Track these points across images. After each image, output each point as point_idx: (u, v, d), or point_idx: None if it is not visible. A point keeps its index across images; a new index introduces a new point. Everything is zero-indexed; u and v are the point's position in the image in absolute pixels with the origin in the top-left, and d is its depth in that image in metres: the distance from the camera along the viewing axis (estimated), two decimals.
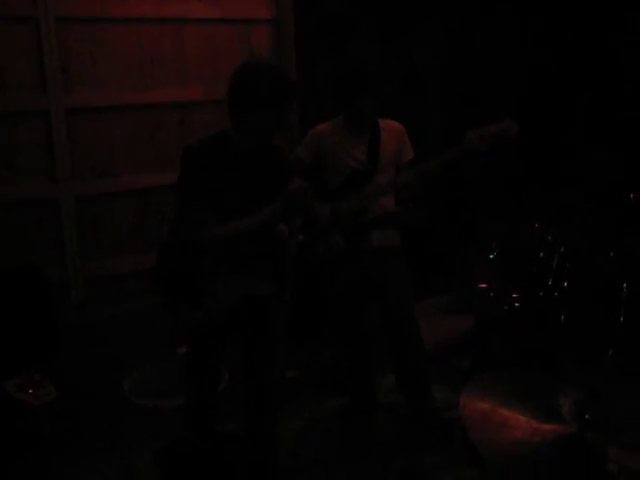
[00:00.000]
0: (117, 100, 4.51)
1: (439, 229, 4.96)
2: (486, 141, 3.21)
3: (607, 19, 4.59)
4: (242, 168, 2.75)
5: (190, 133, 4.62)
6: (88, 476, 3.31)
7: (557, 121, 4.64)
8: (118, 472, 3.34)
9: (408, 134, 3.52)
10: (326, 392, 3.96)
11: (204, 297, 2.76)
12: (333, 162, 3.45)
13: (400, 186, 3.42)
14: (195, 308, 2.77)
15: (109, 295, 4.29)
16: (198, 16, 4.81)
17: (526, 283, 4.10)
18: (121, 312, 4.32)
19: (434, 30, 5.17)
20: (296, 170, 3.05)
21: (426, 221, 3.05)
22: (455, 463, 3.26)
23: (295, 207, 2.73)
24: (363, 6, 4.99)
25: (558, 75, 4.78)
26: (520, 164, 4.55)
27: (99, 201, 4.48)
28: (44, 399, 3.86)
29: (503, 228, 4.32)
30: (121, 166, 4.52)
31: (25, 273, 4.22)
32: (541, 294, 4.01)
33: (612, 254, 3.91)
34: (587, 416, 1.83)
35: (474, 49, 5.07)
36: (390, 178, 3.43)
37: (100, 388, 4.00)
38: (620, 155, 4.20)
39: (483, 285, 4.36)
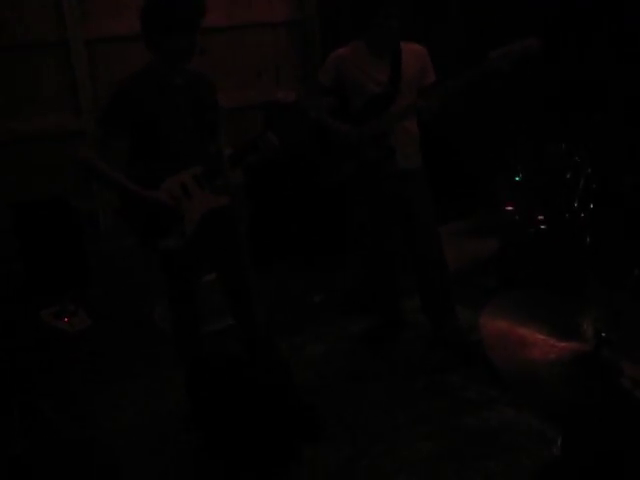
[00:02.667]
0: (137, 28, 4.45)
1: (463, 151, 4.90)
2: (508, 60, 3.14)
3: None
4: (173, 100, 2.82)
5: (210, 59, 4.59)
6: (121, 400, 3.43)
7: (585, 41, 4.48)
8: (152, 396, 3.45)
9: (430, 57, 3.45)
10: (351, 315, 4.01)
11: (174, 222, 2.83)
12: (354, 85, 3.40)
13: (422, 109, 3.36)
14: (168, 235, 2.84)
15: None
16: None
17: (552, 205, 4.06)
18: None
19: None
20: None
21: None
22: (478, 382, 3.31)
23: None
24: None
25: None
26: (547, 84, 4.43)
27: None
28: (79, 327, 4.01)
29: (529, 149, 4.25)
30: None
31: (54, 204, 4.30)
32: (567, 216, 3.97)
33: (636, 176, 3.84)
34: (604, 334, 1.84)
35: None
36: (412, 101, 3.38)
37: (131, 315, 4.12)
38: None
39: (509, 207, 4.33)
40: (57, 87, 4.37)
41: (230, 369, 2.85)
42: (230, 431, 2.77)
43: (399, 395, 3.29)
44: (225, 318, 3.56)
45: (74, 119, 4.42)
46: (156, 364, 3.66)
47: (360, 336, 3.81)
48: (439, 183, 3.72)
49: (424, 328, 3.74)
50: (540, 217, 4.13)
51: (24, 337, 3.91)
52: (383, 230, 3.65)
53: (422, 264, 3.57)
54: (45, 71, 4.34)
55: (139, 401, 3.41)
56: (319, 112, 3.31)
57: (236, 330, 3.21)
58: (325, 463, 2.86)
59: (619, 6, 4.20)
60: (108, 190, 2.84)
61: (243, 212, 3.00)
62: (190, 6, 2.73)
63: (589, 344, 1.83)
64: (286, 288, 4.33)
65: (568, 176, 4.00)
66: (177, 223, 2.85)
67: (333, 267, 4.51)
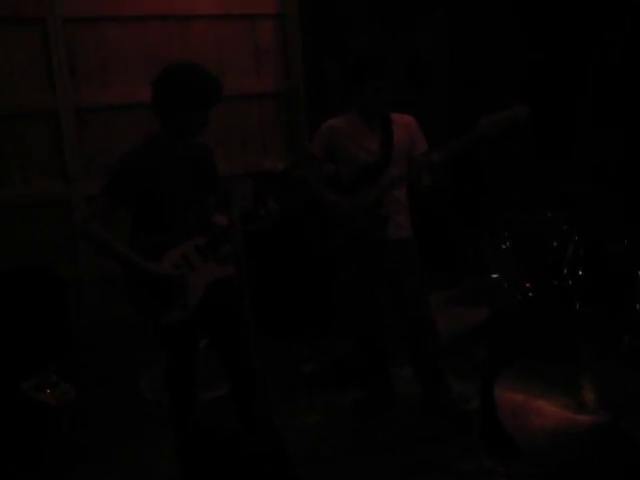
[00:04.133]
0: (126, 98, 4.52)
1: (451, 219, 4.96)
2: (499, 126, 3.21)
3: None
4: (178, 170, 2.85)
5: None
6: (108, 474, 3.31)
7: (565, 105, 4.62)
8: (138, 470, 3.34)
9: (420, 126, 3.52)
10: (342, 386, 3.95)
11: (178, 293, 2.81)
12: (346, 155, 3.44)
13: (413, 179, 3.41)
14: (171, 306, 2.81)
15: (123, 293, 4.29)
16: (203, 12, 4.82)
17: (540, 273, 4.09)
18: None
19: (436, 19, 5.17)
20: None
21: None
22: (474, 453, 3.25)
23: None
24: (367, 2, 4.99)
25: (562, 59, 4.76)
26: (531, 150, 4.54)
27: None
28: (62, 398, 3.88)
29: (516, 217, 4.31)
30: None
31: (39, 273, 4.23)
32: (556, 283, 4.00)
33: (626, 241, 3.90)
34: (616, 404, 1.83)
35: (477, 36, 5.05)
36: (403, 170, 3.43)
37: (117, 386, 4.02)
38: (633, 139, 4.18)
39: (496, 275, 4.36)
40: (46, 154, 4.37)
41: (226, 443, 2.77)
42: None
43: (395, 469, 3.21)
44: (220, 386, 3.49)
45: (61, 186, 4.40)
46: (142, 436, 3.56)
47: (352, 408, 3.75)
48: (427, 251, 3.74)
49: (416, 398, 3.69)
50: (528, 285, 4.16)
51: (3, 410, 3.78)
52: (373, 299, 3.64)
53: (414, 331, 3.55)
54: (34, 138, 4.35)
55: (125, 475, 3.29)
56: (315, 181, 3.34)
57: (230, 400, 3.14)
58: None
59: (602, 71, 4.36)
60: (112, 262, 2.80)
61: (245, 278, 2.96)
62: (210, 83, 2.79)
63: (605, 415, 1.82)
64: (274, 357, 4.27)
65: (555, 243, 4.05)
66: (180, 295, 2.82)
67: (324, 336, 4.47)
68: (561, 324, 3.88)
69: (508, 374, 1.95)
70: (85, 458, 3.41)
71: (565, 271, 3.93)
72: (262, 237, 4.43)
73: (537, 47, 4.81)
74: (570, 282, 3.95)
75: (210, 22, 4.87)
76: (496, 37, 4.98)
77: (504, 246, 4.24)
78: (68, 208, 4.41)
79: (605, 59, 4.51)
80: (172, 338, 2.94)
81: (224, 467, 2.80)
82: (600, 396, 1.93)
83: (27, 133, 4.33)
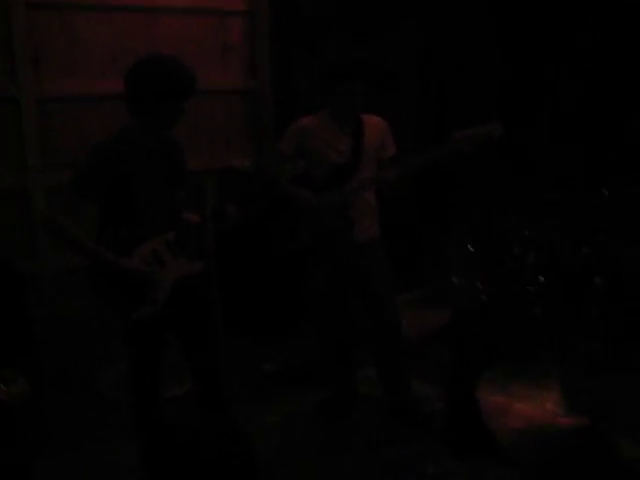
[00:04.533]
0: (91, 89, 4.42)
1: (414, 223, 5.00)
2: (472, 142, 3.26)
3: (577, 18, 4.66)
4: (150, 162, 2.81)
5: None
6: (64, 472, 3.25)
7: (531, 116, 4.71)
8: (96, 468, 3.28)
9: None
10: (307, 386, 3.95)
11: (147, 288, 2.77)
12: (316, 155, 3.44)
13: (383, 181, 3.42)
14: (141, 301, 2.77)
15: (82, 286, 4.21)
16: (171, 5, 4.75)
17: (501, 277, 4.14)
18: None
19: (408, 28, 5.20)
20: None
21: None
22: (436, 456, 3.28)
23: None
24: (337, 4, 4.99)
25: (526, 73, 4.85)
26: (495, 160, 4.61)
27: None
28: (17, 395, 3.77)
29: (478, 222, 4.36)
30: None
31: None
32: (516, 288, 4.06)
33: (585, 250, 3.98)
34: (598, 408, 1.87)
35: (448, 45, 5.11)
36: (372, 173, 3.44)
37: (75, 383, 3.94)
38: (595, 149, 4.28)
39: (456, 279, 4.40)
40: (6, 144, 4.25)
41: (189, 443, 2.73)
42: None
43: (357, 471, 3.22)
44: (184, 384, 3.47)
45: (20, 177, 4.28)
46: (102, 434, 3.50)
47: (315, 408, 3.74)
48: (393, 253, 3.76)
49: (378, 400, 3.70)
50: (487, 288, 4.21)
51: None
52: (339, 300, 3.64)
53: (380, 333, 3.57)
54: None
55: (84, 474, 3.22)
56: (285, 178, 3.33)
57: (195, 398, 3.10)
58: None
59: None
60: (78, 256, 2.73)
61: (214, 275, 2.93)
62: (183, 75, 2.75)
63: (585, 418, 1.85)
64: (238, 357, 4.22)
65: (516, 250, 4.11)
66: (149, 291, 2.77)
67: (288, 336, 4.45)
68: (522, 329, 3.94)
69: (487, 377, 1.97)
70: (43, 458, 3.32)
71: (525, 277, 3.99)
72: (229, 235, 4.42)
73: (508, 59, 4.89)
74: (530, 288, 4.01)
75: (178, 15, 4.80)
76: (468, 48, 5.04)
77: (466, 250, 4.28)
78: (27, 200, 4.29)
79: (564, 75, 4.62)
80: (140, 334, 2.89)
81: (189, 466, 2.75)
82: (569, 401, 1.96)
83: None
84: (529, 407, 1.89)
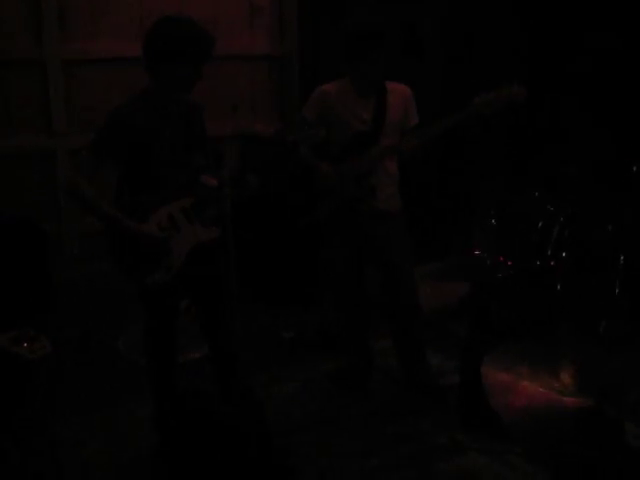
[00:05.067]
0: (116, 52, 4.42)
1: (437, 194, 4.94)
2: (493, 106, 3.18)
3: None
4: (168, 126, 2.80)
5: None
6: (81, 430, 3.31)
7: (558, 87, 4.60)
8: (110, 429, 3.34)
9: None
10: (322, 354, 3.96)
11: (161, 255, 2.78)
12: (338, 122, 3.39)
13: (404, 151, 3.37)
14: (155, 267, 2.78)
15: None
16: None
17: (524, 252, 4.10)
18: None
19: None
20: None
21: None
22: (448, 428, 3.28)
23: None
24: None
25: (558, 39, 4.73)
26: (523, 130, 4.53)
27: None
28: (39, 353, 3.85)
29: (503, 195, 4.30)
30: None
31: (21, 225, 4.16)
32: (538, 263, 4.01)
33: (610, 226, 3.92)
34: (603, 389, 1.84)
35: (474, 12, 4.99)
36: (395, 141, 3.39)
37: (96, 344, 4.00)
38: (625, 126, 4.18)
39: (480, 252, 4.37)
40: (31, 106, 4.27)
41: (203, 409, 2.76)
42: (199, 472, 2.68)
43: (371, 439, 3.24)
44: (201, 347, 3.47)
45: (46, 139, 4.32)
46: (119, 396, 3.55)
47: (330, 377, 3.76)
48: (414, 224, 3.73)
49: (394, 371, 3.71)
50: (510, 262, 4.17)
51: None
52: (358, 270, 3.63)
53: (396, 305, 3.55)
54: (19, 89, 4.25)
55: (101, 435, 3.28)
56: (305, 147, 3.30)
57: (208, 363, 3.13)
58: None
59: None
60: (96, 219, 2.75)
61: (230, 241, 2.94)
62: (200, 36, 2.73)
63: (590, 399, 1.83)
64: (257, 325, 4.27)
65: (540, 224, 4.06)
66: (164, 257, 2.78)
67: (305, 305, 4.47)
68: (542, 304, 3.90)
69: (495, 354, 1.95)
70: (60, 417, 3.38)
71: (549, 252, 3.95)
72: (250, 203, 4.43)
73: (529, 26, 4.77)
74: (552, 263, 3.96)
75: None
76: (493, 16, 4.92)
77: (490, 223, 4.24)
78: (52, 161, 4.33)
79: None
80: (154, 299, 2.91)
81: (202, 434, 2.79)
82: (580, 380, 1.94)
83: (12, 83, 4.23)
84: (534, 386, 1.86)
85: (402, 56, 5.01)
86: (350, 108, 3.38)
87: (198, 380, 3.37)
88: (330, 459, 3.08)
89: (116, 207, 2.75)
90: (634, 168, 3.78)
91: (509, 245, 4.25)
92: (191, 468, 2.67)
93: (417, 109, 3.47)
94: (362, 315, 3.70)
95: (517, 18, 4.88)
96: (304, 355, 3.98)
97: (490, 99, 3.18)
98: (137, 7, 4.48)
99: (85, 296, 4.22)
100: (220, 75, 4.92)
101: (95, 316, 4.21)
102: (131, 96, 2.81)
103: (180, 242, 2.82)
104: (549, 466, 2.11)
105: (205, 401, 2.94)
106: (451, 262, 4.72)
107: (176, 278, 2.84)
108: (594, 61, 4.47)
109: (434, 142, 3.34)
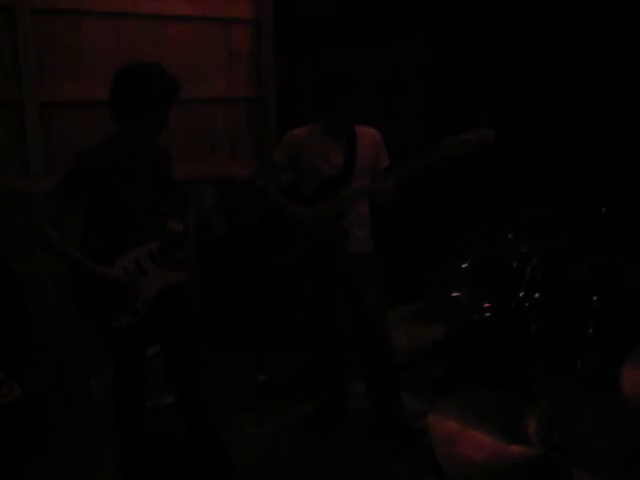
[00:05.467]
0: (95, 95, 4.44)
1: (413, 236, 4.96)
2: (463, 148, 3.22)
3: (585, 22, 4.60)
4: (136, 170, 2.82)
5: (165, 131, 4.60)
6: (51, 472, 3.28)
7: (533, 130, 4.66)
8: (84, 470, 3.30)
9: (385, 140, 3.51)
10: (295, 397, 3.93)
11: (127, 299, 2.77)
12: (309, 166, 3.43)
13: (377, 193, 3.40)
14: (121, 311, 2.77)
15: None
16: (177, 13, 4.77)
17: (498, 293, 4.11)
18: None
19: (413, 36, 5.18)
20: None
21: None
22: (421, 473, 3.25)
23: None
24: (342, 12, 4.98)
25: (535, 82, 4.81)
26: (497, 174, 4.57)
27: None
28: (8, 397, 3.81)
29: (477, 237, 4.33)
30: None
31: None
32: (513, 304, 4.02)
33: (584, 267, 3.94)
34: (554, 438, 1.82)
35: (454, 54, 5.08)
36: (366, 183, 3.42)
37: (66, 387, 3.96)
38: (596, 168, 4.23)
39: (455, 294, 4.37)
40: (8, 148, 4.29)
41: (169, 451, 2.73)
42: None
43: None
44: (167, 394, 3.45)
45: (22, 181, 4.33)
46: (89, 439, 3.51)
47: (304, 420, 3.73)
48: (390, 266, 3.74)
49: (366, 416, 3.68)
50: (486, 304, 4.17)
51: None
52: (331, 311, 3.63)
53: (369, 347, 3.54)
54: None
55: (73, 476, 3.24)
56: (274, 190, 3.32)
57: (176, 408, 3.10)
58: None
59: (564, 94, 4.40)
60: (62, 264, 2.75)
61: (195, 285, 2.94)
62: (169, 84, 2.76)
63: (539, 448, 1.81)
64: (230, 367, 4.23)
65: (514, 265, 4.08)
66: (130, 301, 2.78)
67: (279, 348, 4.44)
68: (516, 346, 3.90)
69: (444, 401, 1.94)
70: (30, 461, 3.35)
71: (522, 293, 3.96)
72: (219, 245, 4.43)
73: (514, 70, 4.85)
74: (526, 304, 3.97)
75: (185, 23, 4.82)
76: (474, 57, 5.01)
77: (464, 265, 4.25)
78: (27, 204, 4.33)
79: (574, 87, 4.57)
80: (120, 343, 2.90)
81: (168, 475, 2.76)
82: (542, 426, 1.92)
83: None
84: (480, 434, 1.85)
85: (379, 97, 5.09)
86: (320, 152, 3.41)
87: (167, 423, 3.33)
88: None
89: (82, 250, 2.75)
90: (602, 210, 3.83)
91: (484, 287, 4.26)
92: None
93: (387, 151, 3.51)
94: (336, 355, 3.68)
95: (503, 56, 4.97)
96: (278, 399, 3.94)
97: (460, 140, 3.23)
98: (116, 50, 4.53)
99: (60, 339, 4.19)
100: (199, 117, 4.97)
101: (70, 359, 4.18)
102: (99, 141, 2.83)
103: (147, 285, 2.82)
104: None
105: (171, 444, 2.91)
106: (426, 304, 4.71)
107: (143, 322, 2.83)
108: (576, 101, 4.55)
109: (408, 183, 3.37)
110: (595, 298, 3.85)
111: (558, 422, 2.04)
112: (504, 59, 4.94)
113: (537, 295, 3.94)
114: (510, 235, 4.10)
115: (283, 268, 3.57)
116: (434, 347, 4.21)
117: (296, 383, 4.06)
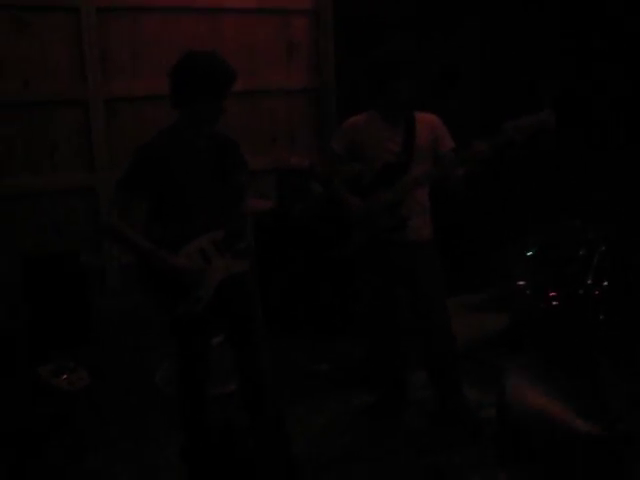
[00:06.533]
0: (157, 89, 4.52)
1: (478, 224, 4.86)
2: (522, 132, 3.12)
3: None
4: (197, 162, 2.82)
5: (225, 124, 4.64)
6: (115, 461, 3.33)
7: (598, 116, 4.50)
8: (143, 458, 3.34)
9: (446, 125, 3.44)
10: (355, 388, 3.90)
11: (191, 287, 2.78)
12: (367, 154, 3.39)
13: (432, 178, 3.34)
14: (185, 300, 2.79)
15: None
16: (237, 6, 4.81)
17: (565, 281, 3.99)
18: None
19: (471, 25, 5.08)
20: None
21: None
22: (484, 463, 3.18)
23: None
24: (401, 3, 4.92)
25: (599, 68, 4.65)
26: (563, 159, 4.43)
27: None
28: (77, 384, 3.93)
29: (543, 224, 4.21)
30: None
31: (62, 259, 4.28)
32: (580, 293, 3.90)
33: None
34: (621, 426, 1.76)
35: (511, 43, 4.95)
36: (426, 170, 3.36)
37: (133, 376, 4.04)
38: None
39: (521, 283, 4.27)
40: (75, 144, 4.42)
41: (232, 440, 2.75)
42: None
43: (400, 475, 3.16)
44: (231, 382, 3.49)
45: (88, 175, 4.45)
46: (152, 428, 3.56)
47: (362, 410, 3.70)
48: (451, 254, 3.67)
49: (428, 405, 3.63)
50: (552, 293, 4.06)
51: (21, 394, 3.84)
52: (391, 302, 3.58)
53: (429, 337, 3.48)
54: (64, 127, 4.40)
55: (133, 467, 3.29)
56: (333, 182, 3.30)
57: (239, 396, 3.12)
58: None
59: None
60: (129, 254, 2.80)
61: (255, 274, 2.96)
62: (225, 72, 2.77)
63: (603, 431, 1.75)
64: (291, 357, 4.25)
65: (582, 252, 3.95)
66: (194, 289, 2.80)
67: (339, 338, 4.43)
68: (583, 335, 3.78)
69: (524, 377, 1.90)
70: (94, 448, 3.41)
71: (590, 281, 3.83)
72: (282, 236, 4.45)
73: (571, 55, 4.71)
74: (595, 292, 3.85)
75: (243, 16, 4.87)
76: (530, 45, 4.88)
77: (530, 253, 4.15)
78: (94, 197, 4.45)
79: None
80: (184, 331, 2.93)
81: (226, 468, 2.78)
82: (609, 411, 1.86)
83: (57, 121, 4.38)
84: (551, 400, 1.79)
85: (439, 89, 5.01)
86: (379, 139, 3.37)
87: (228, 413, 3.36)
88: None
89: (146, 240, 2.79)
90: None
91: (550, 275, 4.14)
92: None
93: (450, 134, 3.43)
94: (396, 346, 3.64)
95: (558, 44, 4.83)
96: (337, 389, 3.92)
97: (520, 124, 3.13)
98: (176, 44, 4.58)
99: (123, 328, 4.28)
100: (259, 109, 5.01)
101: (135, 348, 4.27)
102: (158, 133, 2.86)
103: (210, 275, 2.83)
104: None
105: (234, 433, 2.92)
106: (490, 293, 4.61)
107: (206, 310, 2.85)
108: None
109: (473, 171, 3.29)
110: None
111: (625, 412, 1.96)
112: (563, 55, 4.80)
113: (606, 283, 3.81)
114: (577, 222, 3.98)
115: (342, 258, 3.55)
116: (499, 337, 4.13)
117: (357, 373, 4.03)
